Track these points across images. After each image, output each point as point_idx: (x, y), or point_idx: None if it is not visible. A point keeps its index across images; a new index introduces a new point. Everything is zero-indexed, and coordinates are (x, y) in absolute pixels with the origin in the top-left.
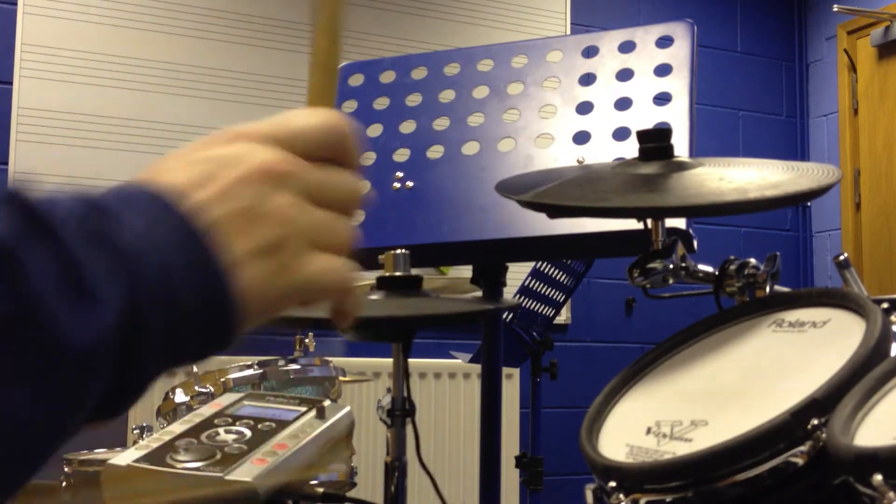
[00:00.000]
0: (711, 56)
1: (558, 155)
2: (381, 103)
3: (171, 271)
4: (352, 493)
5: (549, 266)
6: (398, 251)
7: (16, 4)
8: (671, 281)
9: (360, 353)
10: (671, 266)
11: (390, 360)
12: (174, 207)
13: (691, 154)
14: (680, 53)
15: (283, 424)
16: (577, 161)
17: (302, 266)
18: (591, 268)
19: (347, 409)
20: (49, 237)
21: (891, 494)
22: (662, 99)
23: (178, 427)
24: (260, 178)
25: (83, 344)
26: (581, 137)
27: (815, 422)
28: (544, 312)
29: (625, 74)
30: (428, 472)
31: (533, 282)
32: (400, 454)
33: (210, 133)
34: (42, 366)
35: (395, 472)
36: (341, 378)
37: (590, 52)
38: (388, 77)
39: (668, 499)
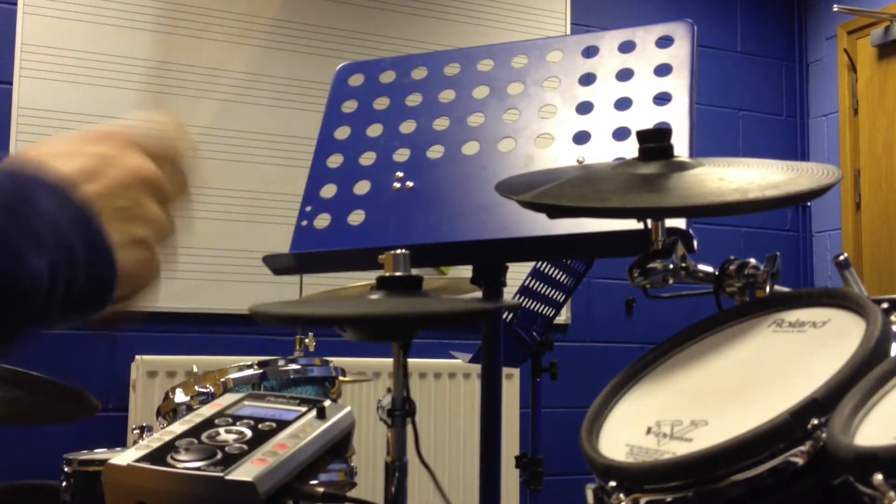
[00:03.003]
0: (711, 56)
1: (558, 155)
2: (381, 103)
3: (74, 245)
4: (352, 493)
5: (549, 266)
6: (398, 251)
7: (16, 4)
8: (671, 281)
9: (360, 353)
10: (671, 266)
11: (390, 360)
12: (72, 195)
13: (691, 154)
14: (680, 53)
15: (283, 424)
16: (577, 161)
17: (155, 258)
18: (591, 268)
19: (347, 409)
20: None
21: (891, 494)
22: (662, 99)
23: (178, 427)
24: (134, 183)
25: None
26: (581, 137)
27: (815, 422)
28: (544, 312)
29: (625, 74)
30: (427, 467)
31: (533, 282)
32: (400, 454)
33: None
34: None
35: (395, 472)
36: (341, 378)
37: (590, 52)
38: (388, 77)
39: (668, 499)
